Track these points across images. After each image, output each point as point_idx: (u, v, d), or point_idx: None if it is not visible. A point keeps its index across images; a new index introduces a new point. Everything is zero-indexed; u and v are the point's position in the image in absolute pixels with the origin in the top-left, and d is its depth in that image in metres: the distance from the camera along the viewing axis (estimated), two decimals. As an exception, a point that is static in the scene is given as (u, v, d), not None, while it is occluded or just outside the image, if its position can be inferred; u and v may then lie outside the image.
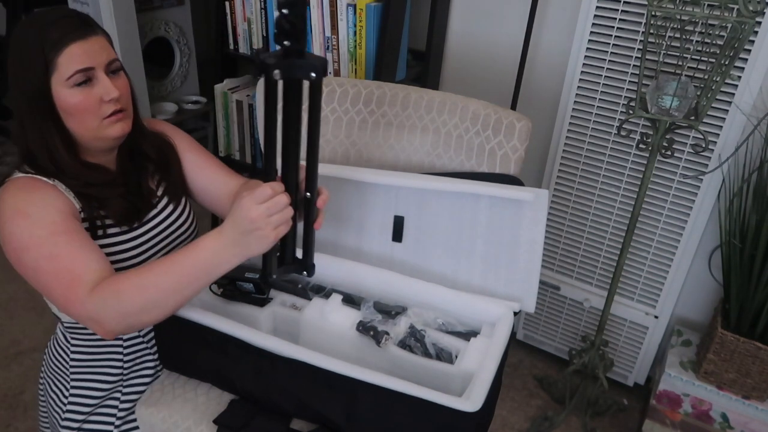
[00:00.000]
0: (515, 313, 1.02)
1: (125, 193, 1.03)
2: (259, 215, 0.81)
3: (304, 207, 0.90)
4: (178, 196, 1.13)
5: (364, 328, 0.93)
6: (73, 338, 1.10)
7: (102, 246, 0.99)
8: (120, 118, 0.97)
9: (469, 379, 0.88)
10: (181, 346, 0.97)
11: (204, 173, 1.15)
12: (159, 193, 1.10)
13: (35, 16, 0.93)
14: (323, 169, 1.13)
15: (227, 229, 0.85)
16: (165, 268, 0.87)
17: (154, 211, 1.08)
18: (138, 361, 1.13)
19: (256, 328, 0.94)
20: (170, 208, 1.11)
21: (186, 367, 1.00)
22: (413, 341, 0.93)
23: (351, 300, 1.01)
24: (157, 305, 0.87)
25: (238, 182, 1.15)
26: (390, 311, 0.98)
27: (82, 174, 0.98)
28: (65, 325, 1.10)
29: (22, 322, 2.34)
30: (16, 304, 2.42)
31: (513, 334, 2.30)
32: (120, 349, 1.11)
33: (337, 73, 1.87)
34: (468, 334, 0.99)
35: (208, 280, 0.87)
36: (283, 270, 0.92)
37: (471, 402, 0.80)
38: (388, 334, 0.92)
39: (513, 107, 1.95)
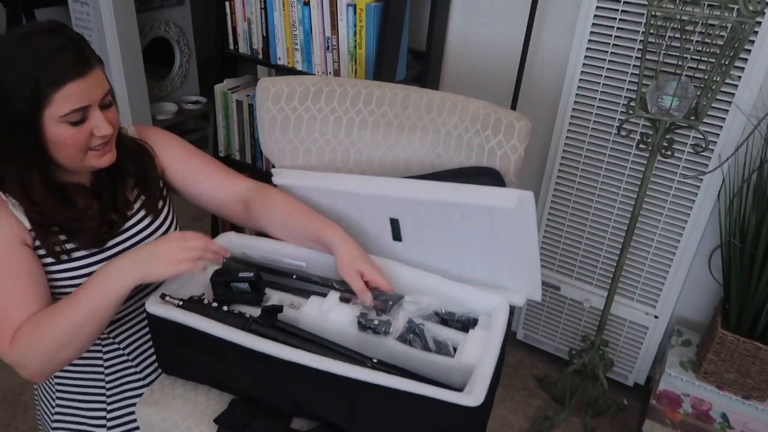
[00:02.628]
0: (511, 310, 1.02)
1: (99, 209, 1.01)
2: (175, 248, 0.89)
3: None
4: (155, 209, 1.09)
5: (363, 326, 0.93)
6: None
7: (70, 269, 0.98)
8: (106, 152, 0.96)
9: (469, 372, 0.88)
10: (178, 351, 0.97)
11: (207, 180, 1.13)
12: (137, 205, 1.07)
13: (30, 38, 0.87)
14: (311, 181, 1.14)
15: (138, 250, 0.91)
16: (75, 301, 0.89)
17: (129, 223, 1.05)
18: (120, 373, 1.11)
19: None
20: (147, 220, 1.08)
21: (184, 371, 1.00)
22: (412, 336, 0.94)
23: (347, 297, 1.01)
24: (75, 338, 0.89)
25: (246, 186, 1.13)
26: (387, 300, 0.99)
27: (50, 207, 0.95)
28: None
29: (22, 322, 2.34)
30: (16, 304, 2.42)
31: (512, 333, 2.31)
32: (101, 362, 1.09)
33: (337, 73, 1.87)
34: (466, 323, 0.99)
35: (113, 304, 0.90)
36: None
37: (473, 397, 0.80)
38: (389, 324, 0.92)
39: (513, 107, 1.95)
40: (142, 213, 1.07)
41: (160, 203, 1.10)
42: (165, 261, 0.88)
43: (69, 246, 0.98)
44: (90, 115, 0.91)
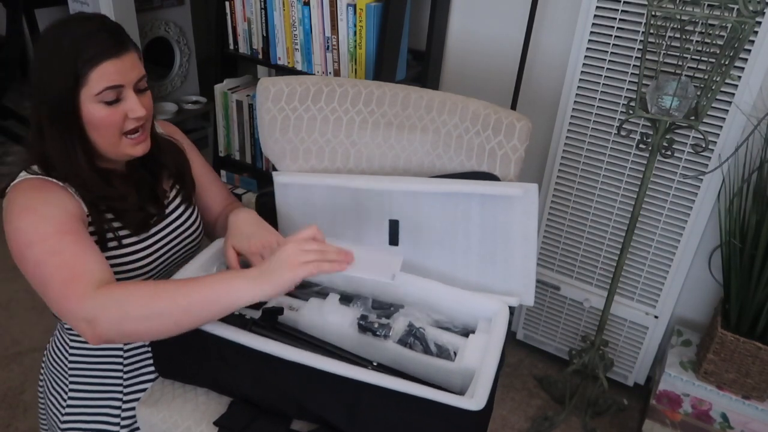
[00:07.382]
0: (511, 311, 1.02)
1: (137, 199, 1.05)
2: (293, 250, 0.84)
3: None
4: (190, 200, 1.16)
5: (363, 328, 0.93)
6: (72, 339, 1.10)
7: (117, 255, 1.01)
8: (141, 141, 1.00)
9: (469, 376, 0.88)
10: (177, 354, 0.96)
11: (203, 185, 1.21)
12: (172, 194, 1.13)
13: (69, 24, 0.93)
14: (313, 179, 1.14)
15: (260, 265, 0.86)
16: (182, 284, 0.85)
17: (168, 210, 1.11)
18: (139, 365, 1.13)
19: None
20: (181, 209, 1.14)
21: (182, 375, 0.99)
22: (413, 339, 0.94)
23: (347, 299, 1.01)
24: (162, 317, 0.84)
25: (224, 198, 1.25)
26: (387, 307, 0.98)
27: (98, 186, 0.99)
28: (65, 326, 1.10)
29: (22, 322, 2.34)
30: (17, 304, 2.42)
31: (512, 333, 2.31)
32: (120, 352, 1.11)
33: (337, 73, 1.87)
34: (465, 329, 0.99)
35: (219, 309, 0.85)
36: None
37: (476, 400, 0.80)
38: (389, 327, 0.92)
39: (513, 107, 1.95)
40: (178, 201, 1.13)
41: (193, 196, 1.18)
42: (290, 264, 0.83)
43: (121, 233, 1.02)
44: (124, 96, 0.95)
